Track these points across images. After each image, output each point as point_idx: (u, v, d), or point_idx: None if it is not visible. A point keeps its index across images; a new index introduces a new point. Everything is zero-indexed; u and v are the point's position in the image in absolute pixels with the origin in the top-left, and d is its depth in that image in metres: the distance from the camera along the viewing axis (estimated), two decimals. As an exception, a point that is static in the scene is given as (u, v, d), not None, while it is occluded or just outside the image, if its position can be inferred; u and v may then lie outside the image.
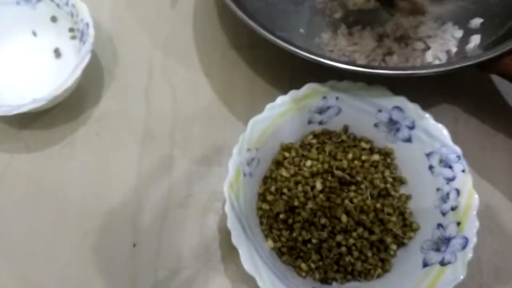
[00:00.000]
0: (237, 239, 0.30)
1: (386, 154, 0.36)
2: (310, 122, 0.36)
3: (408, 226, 0.34)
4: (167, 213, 0.37)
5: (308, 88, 0.34)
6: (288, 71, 0.41)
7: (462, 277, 0.29)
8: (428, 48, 0.39)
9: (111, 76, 0.42)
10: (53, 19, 0.42)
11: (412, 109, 0.34)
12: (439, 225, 0.32)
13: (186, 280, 0.35)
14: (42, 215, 0.37)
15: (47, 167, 0.38)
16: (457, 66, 0.33)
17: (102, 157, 0.39)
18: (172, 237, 0.36)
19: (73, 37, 0.42)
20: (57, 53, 0.43)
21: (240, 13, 0.34)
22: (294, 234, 0.33)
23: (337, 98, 0.35)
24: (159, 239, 0.36)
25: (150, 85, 0.42)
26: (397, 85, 0.35)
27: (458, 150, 0.33)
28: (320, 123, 0.36)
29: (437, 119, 0.34)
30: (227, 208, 0.30)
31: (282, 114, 0.34)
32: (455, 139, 0.33)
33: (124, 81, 0.42)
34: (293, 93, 0.34)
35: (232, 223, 0.30)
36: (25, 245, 0.36)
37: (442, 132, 0.33)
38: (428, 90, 0.39)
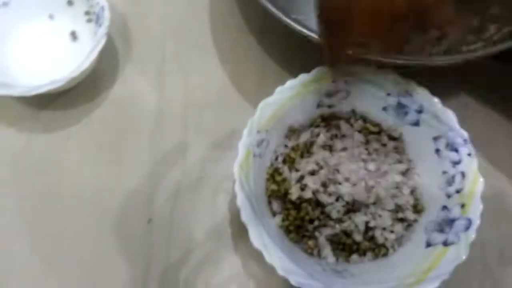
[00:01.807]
0: (246, 217, 0.31)
1: (394, 138, 0.36)
2: (319, 105, 0.37)
3: (413, 207, 0.34)
4: (180, 193, 0.38)
5: (318, 72, 0.35)
6: (300, 55, 0.42)
7: (464, 257, 0.30)
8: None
9: (126, 59, 0.43)
10: (70, 2, 0.43)
11: (421, 93, 0.34)
12: (444, 207, 0.33)
13: (198, 257, 0.36)
14: (60, 194, 0.38)
15: (65, 148, 0.40)
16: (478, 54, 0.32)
17: (117, 138, 0.40)
18: (185, 216, 0.37)
19: (89, 20, 0.43)
20: (74, 36, 0.44)
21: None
22: (301, 213, 0.34)
23: (346, 81, 0.35)
24: (172, 218, 0.37)
25: (163, 69, 0.43)
26: (407, 70, 0.36)
27: (464, 134, 0.33)
28: (329, 106, 0.37)
29: (446, 103, 0.34)
30: (237, 187, 0.31)
31: (291, 98, 0.35)
32: (464, 124, 0.34)
33: (138, 65, 0.43)
34: (302, 77, 0.35)
35: (241, 202, 0.31)
36: (44, 224, 0.37)
37: (450, 116, 0.34)
38: (439, 75, 0.39)
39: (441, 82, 0.35)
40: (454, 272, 0.35)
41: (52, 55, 0.43)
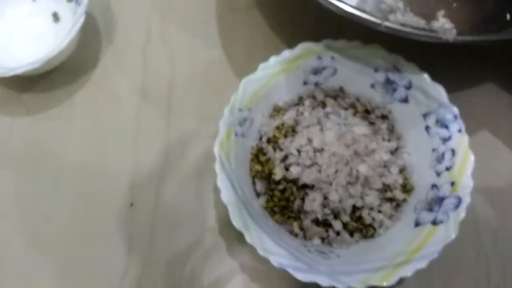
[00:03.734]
0: (227, 197, 0.30)
1: (383, 116, 0.35)
2: (305, 83, 0.35)
3: (402, 186, 0.33)
4: (164, 175, 0.37)
5: (302, 47, 0.34)
6: (286, 31, 0.40)
7: (453, 236, 0.29)
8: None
9: (109, 39, 0.42)
10: (51, -18, 0.42)
11: (409, 68, 0.33)
12: (433, 186, 0.32)
13: (182, 239, 0.35)
14: (43, 176, 0.37)
15: (47, 129, 0.39)
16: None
17: (100, 119, 0.39)
18: (169, 199, 0.37)
19: (70, 0, 0.42)
20: (56, 17, 0.43)
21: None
22: (286, 194, 0.33)
23: (332, 58, 0.34)
24: (156, 199, 0.37)
25: (147, 48, 0.42)
26: (396, 45, 0.34)
27: (455, 109, 0.32)
28: (316, 84, 0.36)
29: (436, 79, 0.33)
30: (217, 167, 0.30)
31: (275, 75, 0.34)
32: (454, 100, 0.32)
33: (121, 45, 0.42)
34: (286, 53, 0.34)
35: (222, 182, 0.30)
36: (27, 206, 0.37)
37: (439, 91, 0.32)
38: (429, 51, 0.37)
39: (430, 57, 0.34)
40: (448, 255, 0.35)
41: (35, 37, 0.42)
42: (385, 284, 0.28)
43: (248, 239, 0.29)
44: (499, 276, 0.35)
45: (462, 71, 0.40)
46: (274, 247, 0.29)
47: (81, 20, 0.37)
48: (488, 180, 0.37)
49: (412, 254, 0.29)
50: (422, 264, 0.28)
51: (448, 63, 0.39)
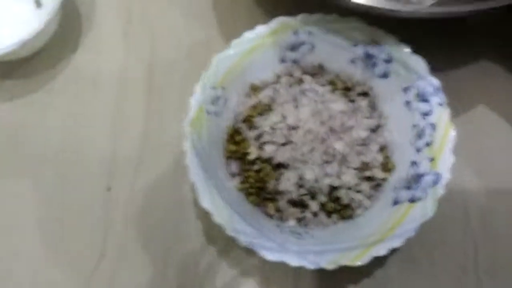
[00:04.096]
0: (196, 176, 0.29)
1: (364, 93, 0.34)
2: (282, 60, 0.34)
3: (383, 165, 0.32)
4: (142, 160, 0.37)
5: (277, 22, 0.33)
6: (269, 6, 0.39)
7: (431, 214, 0.28)
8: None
9: (90, 23, 0.42)
10: (32, -33, 0.42)
11: (389, 41, 0.32)
12: (413, 163, 0.30)
13: (158, 221, 0.35)
14: (23, 160, 0.37)
15: (28, 115, 0.39)
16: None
17: (80, 103, 0.39)
18: (147, 181, 0.36)
19: (51, -15, 0.41)
20: (38, 3, 0.42)
21: None
22: (261, 174, 0.32)
23: (309, 33, 0.33)
24: (134, 184, 0.36)
25: (129, 32, 0.41)
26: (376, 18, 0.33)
27: (435, 82, 0.30)
28: (294, 61, 0.34)
29: (417, 51, 0.31)
30: (187, 145, 0.30)
31: (250, 51, 0.33)
32: (436, 73, 0.31)
33: (102, 29, 0.42)
34: (260, 28, 0.33)
35: (191, 160, 0.29)
36: (7, 189, 0.37)
37: (420, 63, 0.31)
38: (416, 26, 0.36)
39: (411, 30, 0.32)
40: (433, 235, 0.34)
41: (18, 23, 0.42)
42: (358, 263, 0.27)
43: (217, 218, 0.28)
44: (488, 260, 0.33)
45: (455, 48, 0.38)
46: (243, 226, 0.28)
47: (58, 2, 0.36)
48: (480, 157, 0.35)
49: (387, 233, 0.27)
50: (397, 243, 0.27)
51: (438, 39, 0.37)
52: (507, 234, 0.33)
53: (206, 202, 0.28)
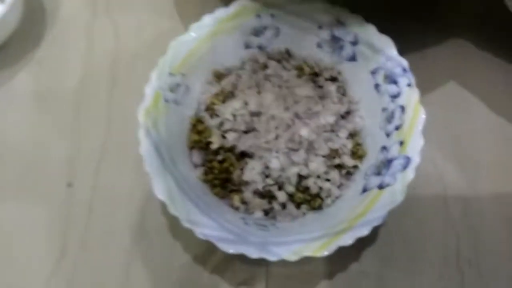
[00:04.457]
0: (150, 166, 0.27)
1: (333, 78, 0.32)
2: (247, 46, 0.33)
3: (354, 152, 0.30)
4: (104, 155, 0.35)
5: (238, 5, 0.31)
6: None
7: (400, 199, 0.26)
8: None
9: (54, 17, 0.41)
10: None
11: (354, 21, 0.30)
12: (383, 148, 0.29)
13: (122, 220, 0.33)
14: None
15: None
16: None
17: (42, 98, 0.38)
18: (109, 177, 0.34)
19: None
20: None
21: None
22: (225, 164, 0.30)
23: (272, 15, 0.32)
24: (95, 179, 0.34)
25: (92, 25, 0.40)
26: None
27: (403, 62, 0.29)
28: (260, 47, 0.33)
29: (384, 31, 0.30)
30: (141, 134, 0.28)
31: (210, 36, 0.31)
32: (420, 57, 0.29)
33: (66, 23, 0.41)
34: (220, 12, 0.31)
35: (146, 150, 0.28)
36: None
37: (387, 43, 0.29)
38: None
39: (378, 10, 0.31)
40: (413, 228, 0.32)
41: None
42: (322, 254, 0.25)
43: (172, 210, 0.26)
44: (470, 250, 0.31)
45: (425, 27, 0.37)
46: (201, 218, 0.26)
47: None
48: (456, 141, 0.34)
49: (353, 221, 0.26)
50: (364, 232, 0.25)
51: (407, 18, 0.36)
52: (488, 222, 0.32)
53: (161, 193, 0.27)
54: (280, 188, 0.30)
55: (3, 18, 0.36)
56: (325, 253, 0.25)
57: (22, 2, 0.39)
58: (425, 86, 0.30)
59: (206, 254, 0.31)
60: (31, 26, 0.40)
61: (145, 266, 0.32)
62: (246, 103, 0.30)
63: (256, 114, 0.30)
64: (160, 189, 0.27)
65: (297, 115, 0.30)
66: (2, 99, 0.38)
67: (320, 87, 0.32)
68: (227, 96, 0.31)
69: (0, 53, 0.39)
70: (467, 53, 0.36)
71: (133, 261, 0.32)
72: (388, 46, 0.29)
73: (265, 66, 0.32)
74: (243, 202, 0.30)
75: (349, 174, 0.30)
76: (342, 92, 0.32)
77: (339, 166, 0.30)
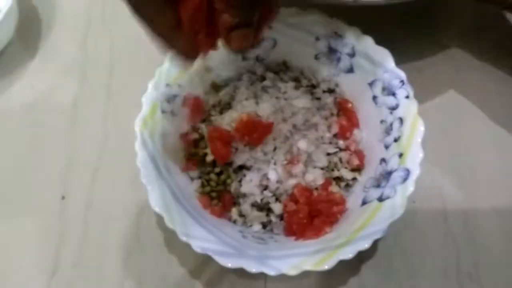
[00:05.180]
0: (148, 178, 0.27)
1: (330, 90, 0.32)
2: (244, 58, 0.33)
3: (352, 165, 0.30)
4: (99, 165, 0.35)
5: (235, 17, 0.31)
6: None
7: (401, 212, 0.25)
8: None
9: (49, 28, 0.41)
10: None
11: (351, 33, 0.30)
12: (382, 160, 0.28)
13: (117, 232, 0.32)
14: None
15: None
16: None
17: (36, 109, 0.37)
18: (103, 189, 0.34)
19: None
20: (-4, 10, 0.41)
21: None
22: (223, 177, 0.30)
23: (270, 27, 0.31)
24: (90, 192, 0.34)
25: (88, 35, 0.40)
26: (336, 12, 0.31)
27: (401, 74, 0.29)
28: (257, 59, 0.33)
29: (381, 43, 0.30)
30: (138, 145, 0.28)
31: (207, 48, 0.31)
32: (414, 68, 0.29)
33: (62, 33, 0.41)
34: (218, 23, 0.31)
35: (142, 162, 0.27)
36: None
37: (384, 55, 0.29)
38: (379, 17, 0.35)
39: (373, 22, 0.31)
40: (412, 242, 0.31)
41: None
42: (322, 268, 0.24)
43: (168, 223, 0.26)
44: (470, 264, 0.31)
45: (420, 37, 0.37)
46: (198, 231, 0.26)
47: (9, 4, 0.35)
48: (456, 155, 0.34)
49: (353, 235, 0.25)
50: (364, 245, 0.25)
51: (402, 30, 0.36)
52: (488, 235, 0.31)
53: (157, 205, 0.26)
54: (277, 200, 0.29)
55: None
56: (326, 267, 0.25)
57: (17, 12, 0.39)
58: (422, 98, 0.30)
59: (202, 267, 0.31)
60: (27, 37, 0.40)
61: (140, 281, 0.31)
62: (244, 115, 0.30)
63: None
64: (156, 201, 0.26)
65: (295, 127, 0.29)
66: (-2, 110, 0.37)
67: (318, 99, 0.32)
68: (224, 107, 0.31)
69: (-6, 64, 0.39)
70: (465, 65, 0.36)
71: (128, 276, 0.31)
72: (385, 58, 0.29)
73: (262, 78, 0.32)
74: (241, 215, 0.30)
75: (348, 186, 0.30)
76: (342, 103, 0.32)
77: (338, 179, 0.30)
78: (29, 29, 0.40)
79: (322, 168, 0.29)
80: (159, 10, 0.22)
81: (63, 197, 0.34)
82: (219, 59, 0.32)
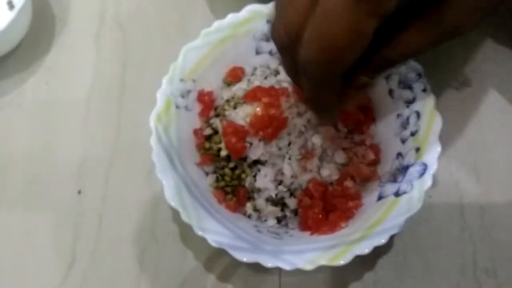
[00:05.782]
0: (163, 172, 0.27)
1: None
2: (258, 52, 0.32)
3: (368, 160, 0.30)
4: (114, 162, 0.35)
5: (249, 10, 0.31)
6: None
7: (418, 207, 0.25)
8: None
9: (63, 24, 0.41)
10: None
11: (367, 26, 0.30)
12: (399, 154, 0.28)
13: (132, 226, 0.33)
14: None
15: (-1, 118, 0.38)
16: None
17: (50, 105, 0.38)
18: (119, 183, 0.34)
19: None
20: (11, 5, 0.41)
21: None
22: (238, 172, 0.30)
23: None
24: (105, 186, 0.34)
25: (101, 31, 0.40)
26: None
27: (418, 67, 0.28)
28: (270, 53, 0.33)
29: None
30: (153, 140, 0.28)
31: (221, 42, 0.31)
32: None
33: (75, 29, 0.41)
34: (232, 17, 0.31)
35: (158, 156, 0.27)
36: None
37: (401, 48, 0.29)
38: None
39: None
40: (428, 236, 0.31)
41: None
42: (338, 263, 0.24)
43: (184, 217, 0.26)
44: (487, 259, 0.31)
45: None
46: (213, 225, 0.26)
47: (22, 1, 0.35)
48: (473, 150, 0.33)
49: (370, 230, 0.25)
50: (380, 240, 0.25)
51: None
52: (505, 230, 0.31)
53: (173, 199, 0.26)
54: (292, 195, 0.29)
55: (12, 25, 0.36)
56: (341, 262, 0.24)
57: (32, 8, 0.39)
58: (438, 92, 0.29)
59: (215, 260, 0.31)
60: (41, 33, 0.40)
61: (155, 275, 0.31)
62: (259, 108, 0.29)
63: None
64: (172, 195, 0.26)
65: (309, 122, 0.29)
66: (11, 106, 0.38)
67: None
68: (238, 102, 0.31)
69: (9, 59, 0.39)
70: (483, 57, 0.35)
71: (144, 269, 0.31)
72: (402, 51, 0.29)
73: (276, 72, 0.32)
74: (256, 209, 0.30)
75: (363, 180, 0.30)
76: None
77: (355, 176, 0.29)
78: (43, 25, 0.40)
79: (337, 163, 0.29)
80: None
81: (79, 192, 0.34)
82: (232, 53, 0.31)
